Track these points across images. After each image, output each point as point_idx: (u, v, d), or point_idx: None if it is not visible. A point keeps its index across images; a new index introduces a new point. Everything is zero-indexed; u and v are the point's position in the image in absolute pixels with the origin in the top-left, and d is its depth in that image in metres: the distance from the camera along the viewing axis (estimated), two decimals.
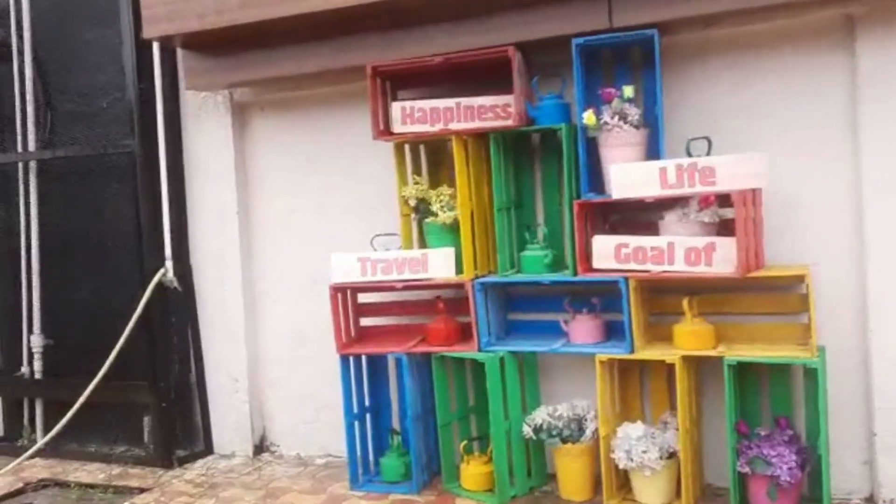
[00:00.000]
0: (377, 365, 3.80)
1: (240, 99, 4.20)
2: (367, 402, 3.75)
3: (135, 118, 4.08)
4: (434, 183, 3.60)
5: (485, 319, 3.36)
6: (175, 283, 4.14)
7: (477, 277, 3.36)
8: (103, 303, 4.42)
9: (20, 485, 3.93)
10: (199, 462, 4.15)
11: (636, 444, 2.99)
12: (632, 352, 3.05)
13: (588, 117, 3.00)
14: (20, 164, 4.58)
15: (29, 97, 4.49)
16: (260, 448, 4.26)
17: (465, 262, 3.34)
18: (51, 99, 4.55)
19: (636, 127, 3.03)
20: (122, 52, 4.15)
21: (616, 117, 3.01)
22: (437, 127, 3.39)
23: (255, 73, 3.91)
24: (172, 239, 4.16)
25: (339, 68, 3.71)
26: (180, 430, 4.26)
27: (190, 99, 4.25)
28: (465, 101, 3.35)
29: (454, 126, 3.35)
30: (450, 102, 3.37)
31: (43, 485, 3.99)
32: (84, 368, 4.35)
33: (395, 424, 3.78)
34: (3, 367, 4.71)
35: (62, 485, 3.97)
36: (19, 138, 4.56)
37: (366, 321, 3.82)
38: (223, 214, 4.22)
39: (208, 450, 4.28)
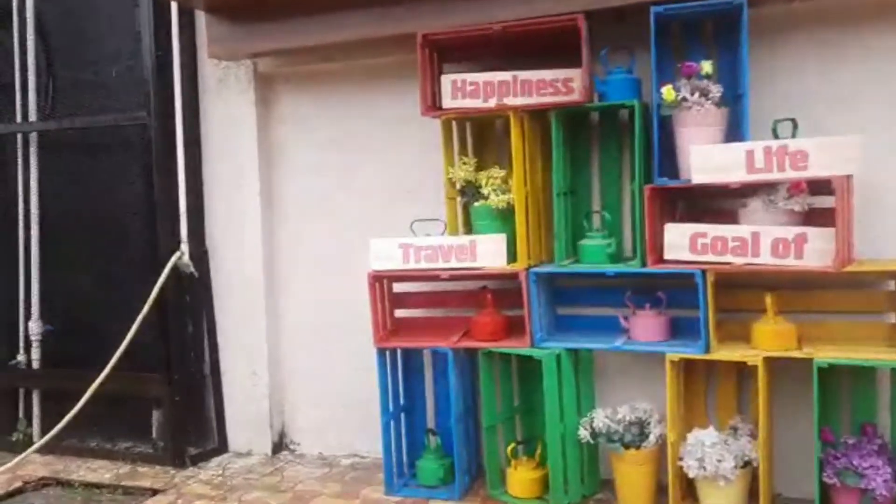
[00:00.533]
0: (410, 360, 3.53)
1: (264, 70, 3.89)
2: (401, 400, 3.47)
3: (151, 88, 3.75)
4: (478, 164, 3.32)
5: (538, 313, 3.10)
6: (191, 268, 3.83)
7: (531, 267, 3.09)
8: (109, 287, 4.11)
9: (19, 484, 3.60)
10: (214, 461, 3.85)
11: (710, 451, 2.75)
12: (707, 351, 2.81)
13: (667, 92, 2.74)
14: (19, 136, 4.22)
15: (30, 63, 4.13)
16: (279, 446, 3.97)
17: (518, 251, 3.07)
18: (53, 66, 4.20)
19: (717, 105, 2.78)
20: (135, 16, 3.83)
21: (697, 94, 2.75)
22: (492, 102, 3.11)
23: (282, 41, 3.61)
24: (189, 220, 3.84)
25: (376, 37, 3.43)
26: (192, 426, 3.96)
27: (209, 69, 3.93)
28: (522, 74, 3.08)
29: (511, 101, 3.07)
30: (506, 76, 3.10)
31: (43, 484, 3.66)
32: (86, 357, 4.05)
33: (430, 424, 3.52)
34: None
35: (65, 484, 3.65)
36: (18, 108, 4.21)
37: (399, 313, 3.54)
38: (243, 195, 3.91)
39: (222, 447, 3.98)
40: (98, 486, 3.59)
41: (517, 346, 3.13)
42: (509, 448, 3.20)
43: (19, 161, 4.23)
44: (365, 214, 3.75)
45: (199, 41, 3.91)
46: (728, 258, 2.74)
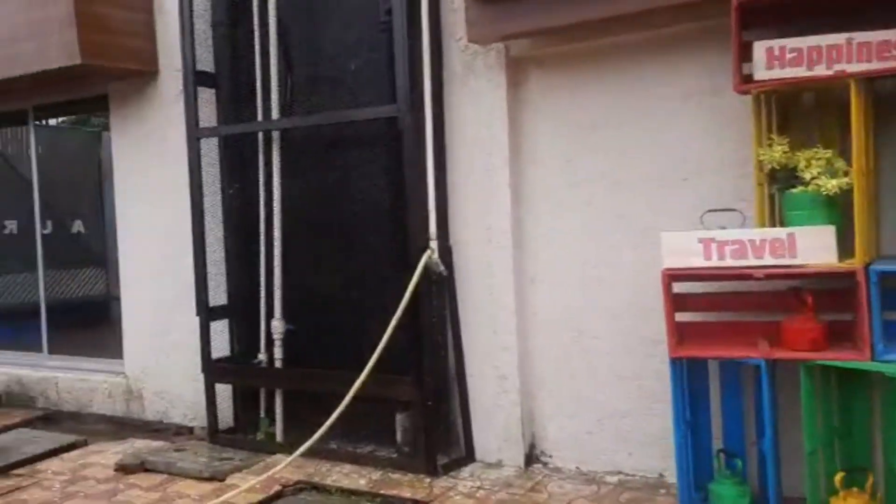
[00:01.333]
0: (692, 371, 3.12)
1: (515, 54, 3.62)
2: (688, 415, 3.08)
3: (403, 79, 3.55)
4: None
5: (879, 320, 2.60)
6: (441, 267, 3.62)
7: (869, 264, 2.60)
8: (351, 286, 3.99)
9: (277, 487, 3.54)
10: (465, 470, 3.63)
11: None
12: None
13: None
14: (260, 134, 4.21)
15: (272, 60, 4.08)
16: (530, 458, 3.69)
17: (857, 245, 2.60)
18: (292, 62, 4.14)
19: None
20: (380, 7, 3.68)
21: None
22: (819, 70, 2.64)
23: (543, 20, 3.34)
24: (437, 217, 3.65)
25: (654, 8, 3.08)
26: (439, 432, 3.75)
27: (455, 55, 3.72)
28: (859, 36, 2.59)
29: (850, 68, 2.59)
30: (837, 39, 2.63)
31: (300, 488, 3.58)
32: (327, 357, 3.97)
33: (717, 443, 3.12)
34: (237, 353, 4.40)
35: (320, 489, 3.55)
36: (259, 106, 4.19)
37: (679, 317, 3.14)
38: (491, 189, 3.67)
39: (469, 456, 3.76)
40: (355, 492, 3.46)
41: (849, 359, 2.65)
42: (838, 477, 2.72)
43: (260, 159, 4.22)
44: (627, 206, 3.41)
45: (443, 26, 3.71)
46: None
